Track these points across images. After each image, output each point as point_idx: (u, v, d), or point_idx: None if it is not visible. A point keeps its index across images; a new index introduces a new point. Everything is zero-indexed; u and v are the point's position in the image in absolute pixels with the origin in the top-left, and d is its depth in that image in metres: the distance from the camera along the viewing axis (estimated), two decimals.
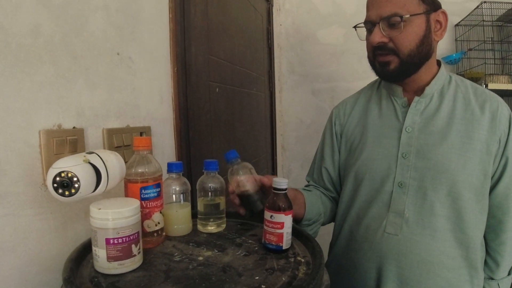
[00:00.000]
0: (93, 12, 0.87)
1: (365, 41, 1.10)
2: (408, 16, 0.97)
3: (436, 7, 1.02)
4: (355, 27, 1.10)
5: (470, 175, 0.99)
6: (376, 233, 1.06)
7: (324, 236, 1.25)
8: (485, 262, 1.08)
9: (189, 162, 1.27)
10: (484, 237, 1.08)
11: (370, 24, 1.04)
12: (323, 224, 1.23)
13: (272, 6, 2.53)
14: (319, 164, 1.29)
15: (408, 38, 0.99)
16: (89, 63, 0.86)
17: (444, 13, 1.04)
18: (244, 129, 1.92)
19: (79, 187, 0.65)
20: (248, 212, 0.92)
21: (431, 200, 1.00)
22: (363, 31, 1.09)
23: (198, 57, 1.34)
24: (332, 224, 1.27)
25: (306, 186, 1.32)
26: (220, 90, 1.56)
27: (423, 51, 1.02)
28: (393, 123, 1.10)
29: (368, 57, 1.10)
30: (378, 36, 1.00)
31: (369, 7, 1.04)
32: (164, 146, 1.18)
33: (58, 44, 0.78)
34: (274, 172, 2.62)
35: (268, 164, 2.51)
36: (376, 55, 1.04)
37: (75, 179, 0.65)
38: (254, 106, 2.13)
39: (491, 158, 1.01)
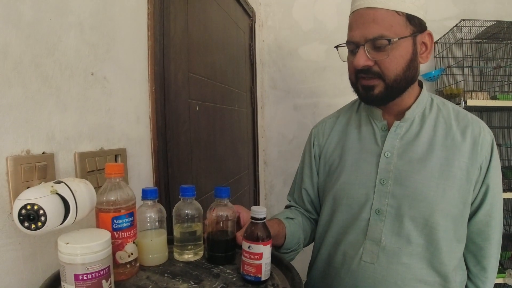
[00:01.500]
0: (66, 31, 0.84)
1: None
2: (396, 39, 0.92)
3: (423, 28, 0.98)
4: (336, 47, 1.05)
5: (449, 203, 0.96)
6: (353, 261, 1.03)
7: (302, 256, 1.23)
8: (466, 287, 1.07)
9: (167, 184, 1.23)
10: (465, 261, 1.06)
11: (353, 45, 0.98)
12: (304, 246, 1.20)
13: (255, 22, 2.52)
14: (299, 185, 1.26)
15: (395, 62, 0.94)
16: (60, 84, 0.82)
17: (430, 35, 1.00)
18: (226, 146, 1.89)
19: (45, 220, 0.61)
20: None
21: (408, 228, 0.97)
22: (344, 51, 1.04)
23: (177, 75, 1.31)
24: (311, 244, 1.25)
25: (287, 206, 1.29)
26: (201, 107, 1.53)
27: (409, 76, 0.98)
28: (372, 147, 1.06)
29: (350, 78, 1.04)
30: (363, 59, 0.94)
31: (352, 26, 0.98)
32: (141, 168, 1.14)
33: (28, 65, 0.74)
34: (256, 188, 2.59)
35: (251, 180, 2.49)
36: (359, 78, 0.99)
37: (41, 211, 0.61)
38: (236, 123, 2.11)
39: (471, 186, 0.99)
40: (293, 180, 1.32)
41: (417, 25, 0.96)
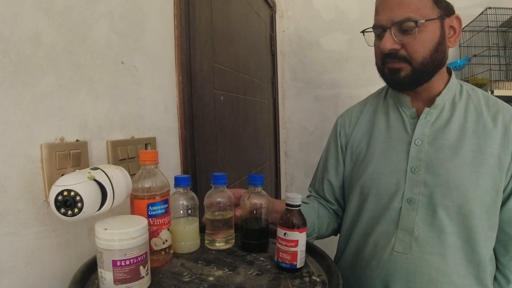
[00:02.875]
0: (97, 19, 0.84)
1: (372, 47, 1.04)
2: (423, 21, 0.91)
3: (450, 11, 0.96)
4: (363, 31, 1.04)
5: (482, 191, 0.94)
6: (384, 251, 1.01)
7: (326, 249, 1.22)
8: (495, 278, 1.04)
9: (194, 173, 1.23)
10: (494, 251, 1.04)
11: (380, 29, 0.97)
12: (318, 238, 1.17)
13: (275, 12, 2.50)
14: (321, 176, 1.24)
15: (422, 45, 0.93)
16: (92, 73, 0.83)
17: (458, 18, 0.98)
18: (249, 137, 1.89)
19: (82, 206, 0.61)
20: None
21: (441, 217, 0.95)
22: (371, 36, 1.03)
23: (203, 65, 1.31)
24: (335, 238, 1.24)
25: (307, 197, 1.28)
26: (225, 98, 1.52)
27: (437, 59, 0.96)
28: (401, 135, 1.04)
29: (377, 63, 1.03)
30: (390, 42, 0.93)
31: (378, 10, 0.97)
32: (169, 157, 1.15)
33: (60, 53, 0.74)
34: (277, 180, 2.58)
35: (272, 171, 2.48)
36: (386, 62, 0.98)
37: (78, 198, 0.61)
38: (258, 114, 2.10)
39: (503, 173, 0.96)
40: (315, 171, 1.30)
41: (444, 8, 0.94)
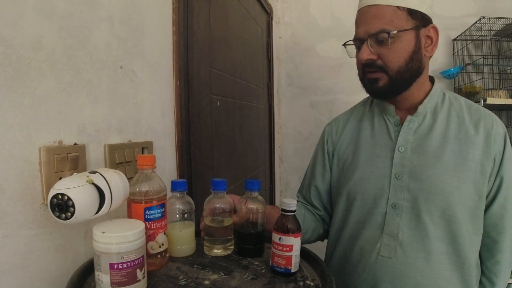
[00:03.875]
0: (97, 24, 0.85)
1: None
2: (395, 32, 0.96)
3: (426, 22, 1.00)
4: (344, 44, 1.10)
5: (464, 196, 0.97)
6: (370, 256, 1.04)
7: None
8: (480, 282, 1.07)
9: (190, 177, 1.24)
10: (479, 256, 1.07)
11: (358, 41, 1.03)
12: (303, 243, 1.19)
13: (272, 18, 2.52)
14: (309, 182, 1.27)
15: (397, 55, 0.98)
16: (91, 77, 0.83)
17: (435, 28, 1.02)
18: (244, 142, 1.90)
19: (74, 211, 0.61)
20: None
21: (425, 222, 0.98)
22: (353, 49, 1.09)
23: (200, 70, 1.32)
24: (323, 243, 1.26)
25: None
26: (221, 103, 1.53)
27: (413, 68, 1.00)
28: (386, 142, 1.08)
29: (359, 74, 1.08)
30: (366, 53, 0.99)
31: (357, 24, 1.03)
32: (166, 161, 1.15)
33: (60, 57, 0.75)
34: (272, 185, 2.59)
35: (267, 176, 2.49)
36: (365, 72, 1.03)
37: (70, 203, 0.61)
38: (254, 119, 2.11)
39: (486, 179, 0.99)
40: (303, 177, 1.33)
41: (419, 19, 0.99)
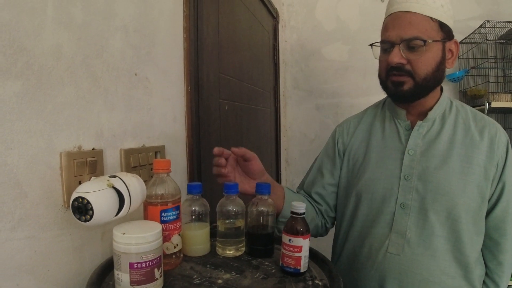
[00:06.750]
0: (113, 33, 0.88)
1: (372, 59, 1.12)
2: (430, 41, 0.99)
3: (451, 36, 1.05)
4: (371, 45, 1.12)
5: (469, 198, 1.02)
6: (379, 253, 1.08)
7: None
8: (484, 283, 1.11)
9: (199, 180, 1.27)
10: (483, 257, 1.11)
11: (388, 44, 1.05)
12: None
13: (278, 22, 2.55)
14: (313, 179, 1.29)
15: (426, 63, 1.01)
16: (108, 84, 0.87)
17: (457, 43, 1.07)
18: (251, 145, 1.92)
19: (93, 214, 0.65)
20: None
21: (432, 221, 1.02)
22: (377, 50, 1.11)
23: (209, 76, 1.35)
24: (328, 245, 1.29)
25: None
26: (229, 107, 1.57)
27: (437, 77, 1.05)
28: (396, 145, 1.12)
29: (380, 76, 1.11)
30: (398, 57, 1.01)
31: (388, 27, 1.05)
32: (177, 165, 1.18)
33: (79, 65, 0.78)
34: None
35: (273, 178, 2.51)
36: (390, 74, 1.06)
37: (89, 206, 0.65)
38: (261, 122, 2.14)
39: (489, 182, 1.04)
40: (305, 175, 1.35)
41: (446, 32, 1.04)
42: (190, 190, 0.90)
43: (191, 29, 1.21)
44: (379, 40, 1.09)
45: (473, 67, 2.41)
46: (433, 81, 1.04)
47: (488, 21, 2.26)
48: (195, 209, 0.90)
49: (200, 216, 0.91)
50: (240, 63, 1.75)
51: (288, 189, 1.18)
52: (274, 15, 2.44)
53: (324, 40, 2.66)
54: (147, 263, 0.67)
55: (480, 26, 2.30)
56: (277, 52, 2.52)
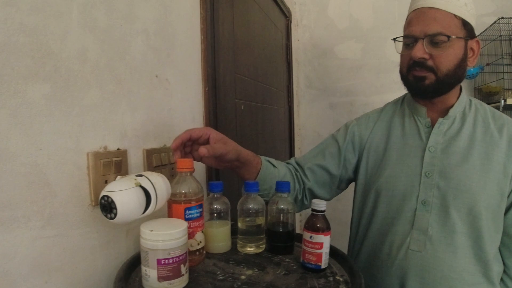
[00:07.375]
0: (135, 37, 0.91)
1: (384, 58, 1.11)
2: (454, 37, 1.00)
3: (473, 35, 1.06)
4: (394, 39, 1.12)
5: (489, 195, 1.02)
6: (400, 250, 1.08)
7: None
8: (502, 280, 1.10)
9: (217, 179, 1.29)
10: (500, 255, 1.10)
11: (412, 39, 1.05)
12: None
13: (291, 22, 2.56)
14: (312, 156, 1.26)
15: (448, 59, 1.02)
16: (131, 86, 0.89)
17: (478, 42, 1.07)
18: (266, 144, 1.94)
19: (116, 212, 0.67)
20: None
21: (453, 218, 1.02)
22: (399, 45, 1.12)
23: (226, 76, 1.37)
24: (340, 241, 1.26)
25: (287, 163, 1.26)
26: (245, 107, 1.59)
27: (458, 74, 1.05)
28: (416, 143, 1.12)
29: (401, 71, 1.12)
30: (421, 51, 1.02)
31: (412, 22, 1.06)
32: (196, 164, 1.20)
33: (104, 68, 0.81)
34: None
35: None
36: (412, 69, 1.06)
37: (113, 204, 0.67)
38: (275, 121, 2.16)
39: (508, 180, 1.04)
40: (307, 153, 1.31)
41: (469, 30, 1.04)
42: (211, 189, 0.92)
43: (207, 31, 1.23)
44: (394, 37, 1.10)
45: (487, 64, 2.40)
46: (454, 78, 1.05)
47: (502, 17, 2.25)
48: (216, 207, 0.92)
49: (222, 214, 0.93)
50: (255, 63, 1.77)
51: (267, 163, 1.14)
52: (286, 15, 2.46)
53: (336, 39, 2.67)
54: (174, 259, 0.69)
55: (494, 23, 2.29)
56: (290, 51, 2.53)
